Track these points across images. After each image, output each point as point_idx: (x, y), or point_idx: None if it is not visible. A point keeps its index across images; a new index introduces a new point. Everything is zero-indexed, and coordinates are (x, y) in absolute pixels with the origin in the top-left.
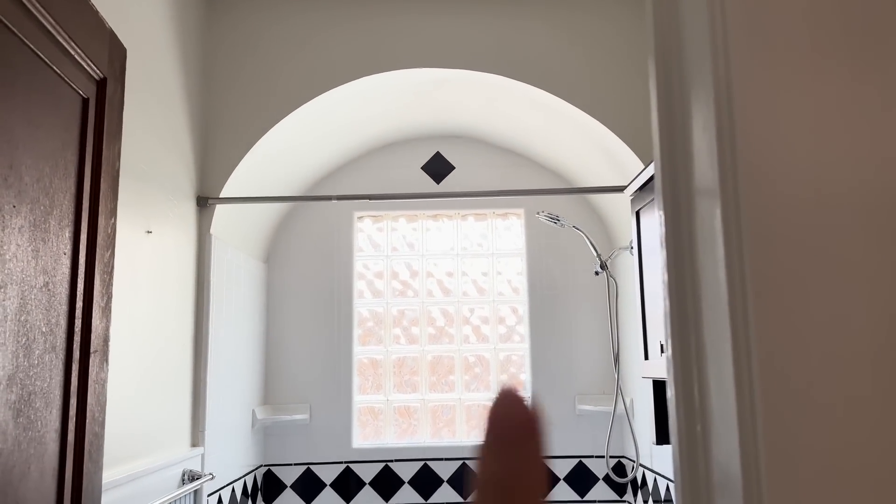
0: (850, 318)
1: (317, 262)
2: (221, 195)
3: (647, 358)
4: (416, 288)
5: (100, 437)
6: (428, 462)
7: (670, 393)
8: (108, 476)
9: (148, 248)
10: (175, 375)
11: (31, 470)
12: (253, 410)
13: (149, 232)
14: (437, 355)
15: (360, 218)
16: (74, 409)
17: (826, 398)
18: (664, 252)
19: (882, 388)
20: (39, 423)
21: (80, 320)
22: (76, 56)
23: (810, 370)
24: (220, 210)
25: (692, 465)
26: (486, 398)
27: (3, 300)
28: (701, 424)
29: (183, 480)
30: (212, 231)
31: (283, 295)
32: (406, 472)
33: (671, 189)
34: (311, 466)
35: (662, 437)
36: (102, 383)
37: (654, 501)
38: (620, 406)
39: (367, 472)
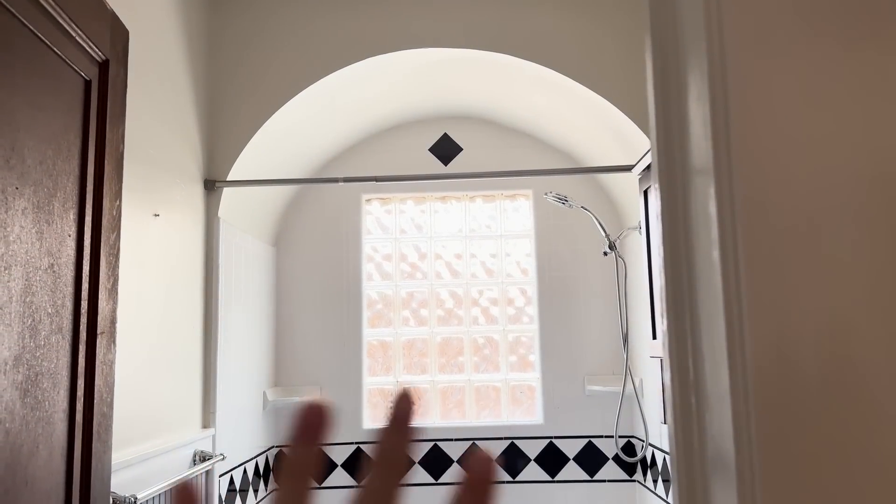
0: (843, 295)
1: (325, 245)
2: (228, 178)
3: (655, 337)
4: (424, 270)
5: (108, 417)
6: (438, 443)
7: (665, 370)
8: (119, 456)
9: (156, 231)
10: (185, 357)
11: (39, 449)
12: (264, 392)
13: (156, 215)
14: (446, 337)
15: (367, 200)
16: (82, 389)
17: (818, 374)
18: (660, 230)
19: (874, 363)
20: (47, 403)
21: (87, 301)
22: (77, 38)
23: (803, 347)
24: (227, 193)
25: (687, 441)
26: (495, 379)
27: (8, 281)
28: (695, 399)
29: (194, 461)
30: (220, 214)
31: (292, 278)
32: (416, 452)
33: (667, 168)
34: (322, 447)
35: None
36: (110, 364)
37: (663, 481)
38: (629, 386)
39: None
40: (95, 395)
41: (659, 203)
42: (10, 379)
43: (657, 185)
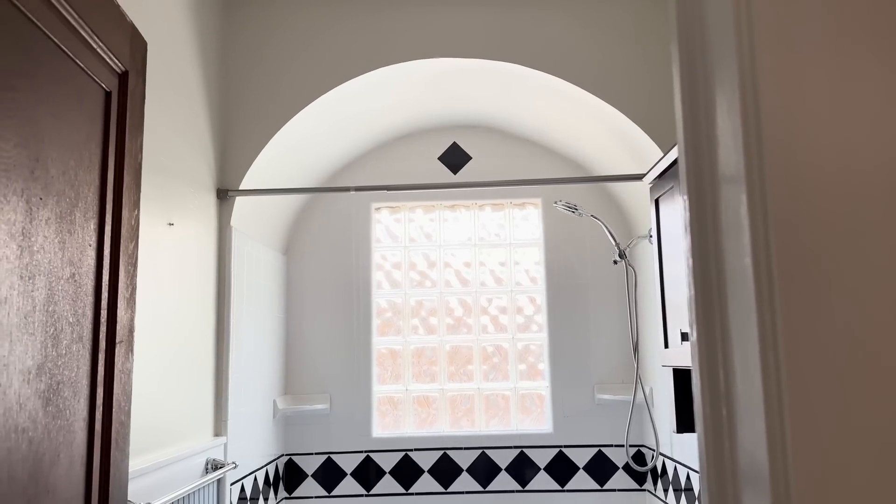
0: (879, 302)
1: (335, 254)
2: (241, 187)
3: (667, 346)
4: (433, 278)
5: (126, 425)
6: (447, 451)
7: (695, 380)
8: (133, 465)
9: (170, 240)
10: (197, 366)
11: (60, 458)
12: (274, 400)
13: (171, 224)
14: (455, 345)
15: (377, 209)
16: (101, 398)
17: (856, 384)
18: (688, 239)
19: None
20: (68, 411)
21: (106, 311)
22: (98, 49)
23: (841, 356)
24: (239, 202)
25: (717, 453)
26: (504, 388)
27: (32, 291)
28: (727, 411)
29: (206, 469)
30: (232, 223)
31: (303, 286)
32: (426, 461)
33: (695, 176)
34: (332, 455)
35: (683, 426)
36: (128, 373)
37: (674, 490)
38: (640, 395)
39: (387, 462)
40: (114, 404)
41: (687, 212)
42: (33, 388)
43: (685, 194)
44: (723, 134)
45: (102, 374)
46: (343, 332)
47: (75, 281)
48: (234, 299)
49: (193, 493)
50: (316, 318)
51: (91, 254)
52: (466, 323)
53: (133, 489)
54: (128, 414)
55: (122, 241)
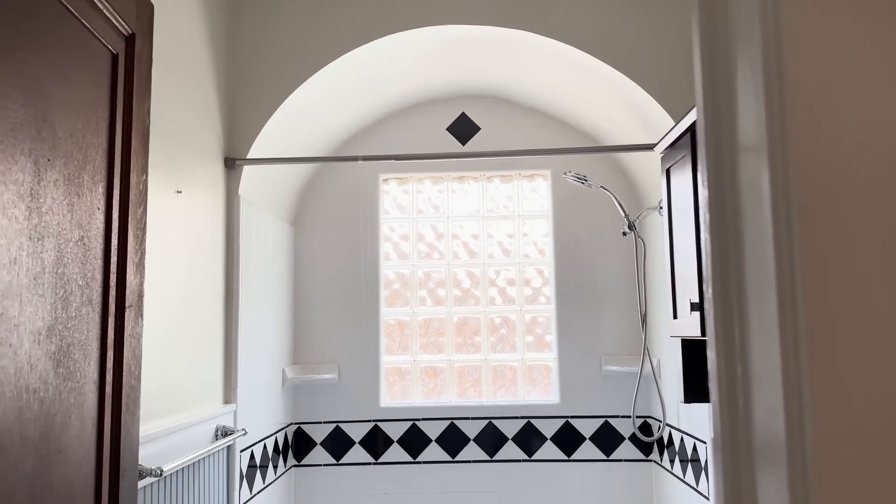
0: None
1: (343, 225)
2: (249, 156)
3: (675, 317)
4: (441, 250)
5: (136, 389)
6: (454, 421)
7: (711, 356)
8: (144, 430)
9: (178, 208)
10: (207, 333)
11: (71, 419)
12: (283, 370)
13: (178, 192)
14: (463, 317)
15: (385, 180)
16: (111, 361)
17: (878, 351)
18: (706, 212)
19: None
20: (78, 374)
21: (116, 275)
22: (105, 11)
23: (861, 328)
24: (247, 171)
25: (732, 422)
26: (511, 359)
27: (41, 252)
28: (742, 375)
29: (216, 436)
30: (240, 192)
31: (311, 257)
32: (433, 430)
33: (715, 146)
34: (340, 424)
35: (690, 396)
36: (138, 337)
37: (680, 460)
38: (647, 366)
39: (394, 431)
40: (124, 368)
41: (705, 180)
42: (43, 349)
43: (704, 166)
44: (744, 102)
45: (112, 337)
46: (351, 303)
47: (84, 244)
48: (243, 269)
49: (203, 459)
50: (324, 288)
51: (100, 217)
52: (474, 295)
53: (143, 454)
54: (138, 378)
55: (130, 205)
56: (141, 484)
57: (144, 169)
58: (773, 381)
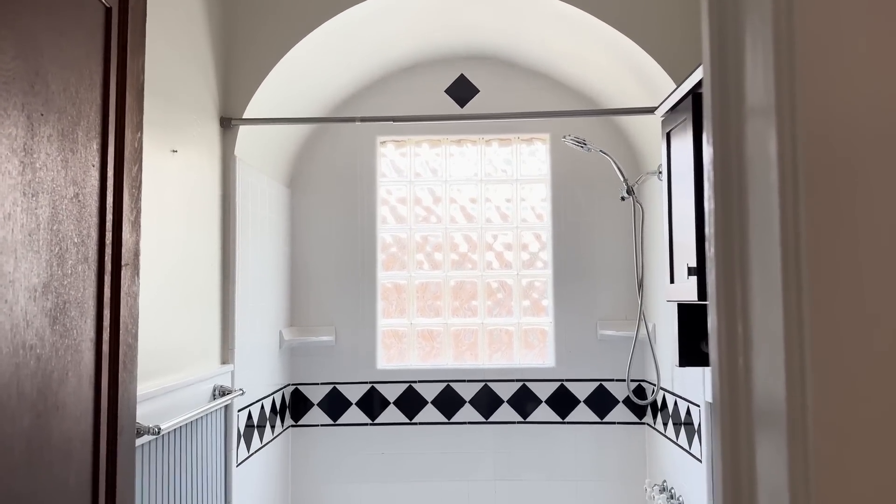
0: None
1: (340, 188)
2: (244, 116)
3: (672, 282)
4: (439, 214)
5: (133, 348)
6: (450, 383)
7: (712, 316)
8: (141, 389)
9: (174, 167)
10: (204, 294)
11: (69, 376)
12: (280, 331)
13: (174, 151)
14: (459, 281)
15: (383, 143)
16: (108, 319)
17: (882, 320)
18: (710, 171)
19: None
20: (75, 331)
21: (111, 233)
22: None
23: (867, 293)
24: (243, 132)
25: (732, 385)
26: (508, 323)
27: (36, 208)
28: (743, 336)
29: (214, 395)
30: (236, 153)
31: (307, 220)
32: (429, 392)
33: (721, 106)
34: (338, 386)
35: (685, 360)
36: (134, 296)
37: (673, 423)
38: (643, 331)
39: (391, 392)
40: (121, 326)
41: (711, 139)
42: (39, 306)
43: (709, 122)
44: (752, 61)
45: (109, 295)
46: (348, 266)
47: (79, 201)
48: (239, 230)
49: (201, 418)
50: (321, 251)
51: (94, 174)
52: (471, 259)
53: (141, 413)
54: (135, 336)
55: (125, 162)
56: (139, 441)
57: (139, 126)
58: (774, 342)
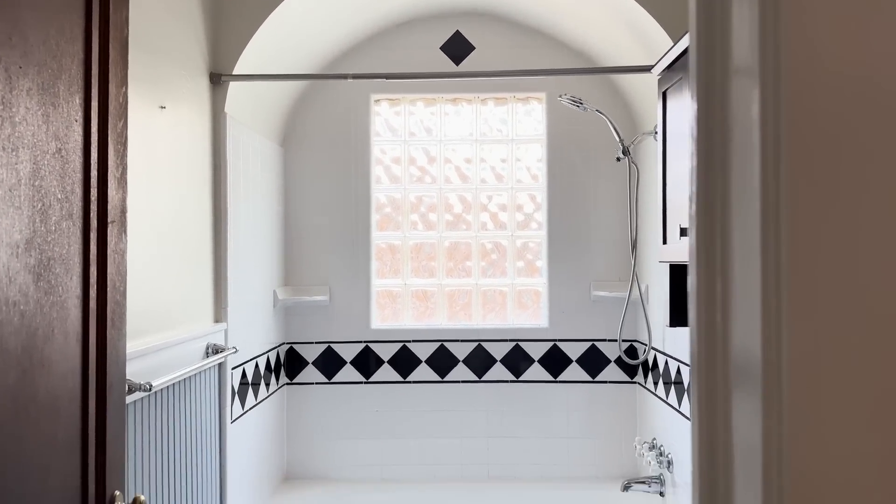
0: (889, 208)
1: (333, 147)
2: (235, 72)
3: (665, 242)
4: (433, 174)
5: (122, 305)
6: (444, 343)
7: (692, 275)
8: (132, 347)
9: (162, 124)
10: (195, 252)
11: (54, 333)
12: (274, 291)
13: (162, 107)
14: (454, 241)
15: (376, 101)
16: (95, 277)
17: (859, 283)
18: (694, 135)
19: None
20: (60, 288)
21: (96, 189)
22: None
23: (845, 251)
24: (233, 88)
25: (709, 347)
26: (502, 284)
27: (16, 163)
28: (721, 315)
29: (207, 354)
30: (226, 110)
31: (301, 179)
32: (423, 352)
33: (706, 67)
34: (332, 345)
35: (676, 320)
36: (122, 253)
37: (664, 383)
38: (635, 292)
39: (385, 352)
40: (108, 284)
41: (695, 101)
42: (22, 262)
43: (694, 86)
44: (738, 21)
45: (95, 253)
46: (342, 226)
47: (62, 156)
48: (231, 188)
49: (194, 375)
50: (315, 211)
51: (78, 129)
52: (466, 220)
53: (132, 370)
54: (123, 294)
55: (109, 117)
56: (130, 399)
57: (124, 81)
58: (752, 301)
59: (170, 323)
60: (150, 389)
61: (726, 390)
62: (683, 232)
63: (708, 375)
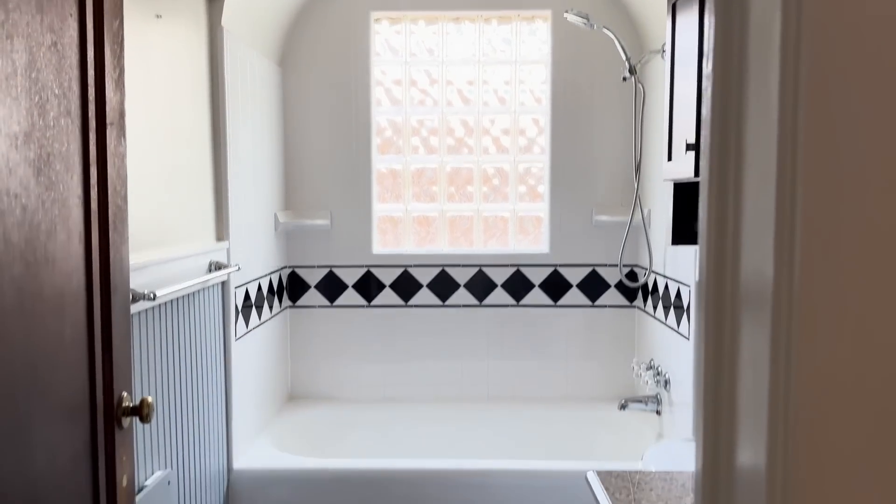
0: None
1: (332, 67)
2: None
3: (670, 159)
4: (435, 97)
5: (123, 210)
6: (445, 268)
7: (702, 199)
8: (135, 259)
9: (158, 33)
10: (195, 168)
11: (57, 230)
12: (275, 214)
13: (158, 16)
14: (455, 167)
15: (377, 19)
16: (95, 177)
17: (875, 209)
18: (711, 48)
19: None
20: (61, 185)
21: (94, 88)
22: None
23: (860, 183)
24: (230, 1)
25: (718, 269)
26: (503, 209)
27: (11, 52)
28: (732, 238)
29: (210, 270)
30: (223, 23)
31: (300, 100)
32: (424, 276)
33: None
34: (334, 269)
35: (678, 238)
36: (121, 157)
37: (664, 306)
38: (638, 216)
39: (387, 276)
40: (109, 186)
41: (712, 18)
42: (22, 154)
43: (711, 5)
44: None
45: (94, 154)
46: (343, 149)
47: (58, 51)
48: (230, 105)
49: (198, 291)
50: (315, 134)
51: (73, 25)
52: (468, 144)
53: (136, 281)
54: (124, 199)
55: (105, 14)
56: (135, 308)
57: None
58: (765, 223)
59: (172, 238)
60: (155, 299)
61: (735, 312)
62: (689, 147)
63: (717, 297)
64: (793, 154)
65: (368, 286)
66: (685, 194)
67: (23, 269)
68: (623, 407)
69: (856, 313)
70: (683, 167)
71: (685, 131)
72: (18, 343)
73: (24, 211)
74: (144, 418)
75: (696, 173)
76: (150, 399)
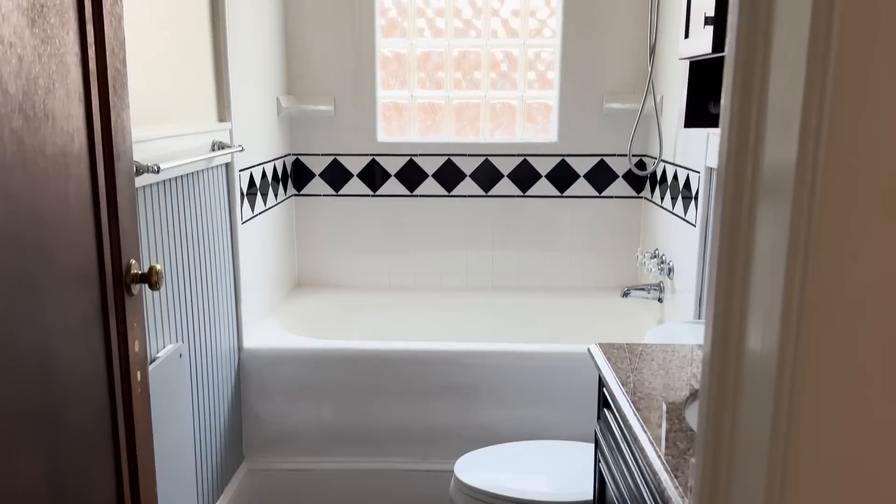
0: None
1: None
2: None
3: (687, 36)
4: None
5: (122, 73)
6: (451, 157)
7: (727, 79)
8: (137, 132)
9: None
10: (194, 43)
11: (55, 87)
12: (277, 98)
13: None
14: (462, 51)
15: None
16: (92, 36)
17: None
18: None
19: None
20: (57, 40)
21: None
22: None
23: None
24: None
25: (740, 153)
26: (511, 97)
27: None
28: (756, 125)
29: (213, 149)
30: None
31: None
32: (430, 166)
33: None
34: (338, 157)
35: (692, 120)
36: (119, 18)
37: (671, 197)
38: (650, 102)
39: (392, 165)
40: (107, 47)
41: None
42: (14, 1)
43: None
44: None
45: (91, 10)
46: (345, 31)
47: None
48: None
49: (203, 171)
50: (316, 14)
51: None
52: (475, 26)
53: (140, 155)
54: (123, 62)
55: None
56: (140, 182)
57: None
58: (791, 111)
59: (174, 115)
60: (159, 171)
61: (753, 202)
62: (708, 20)
63: (735, 185)
64: (826, 39)
65: (373, 175)
66: (701, 75)
67: (22, 122)
68: (625, 295)
69: (879, 208)
70: (701, 43)
71: (704, 3)
72: (24, 197)
73: (19, 61)
74: (154, 285)
75: (714, 49)
76: (158, 266)
